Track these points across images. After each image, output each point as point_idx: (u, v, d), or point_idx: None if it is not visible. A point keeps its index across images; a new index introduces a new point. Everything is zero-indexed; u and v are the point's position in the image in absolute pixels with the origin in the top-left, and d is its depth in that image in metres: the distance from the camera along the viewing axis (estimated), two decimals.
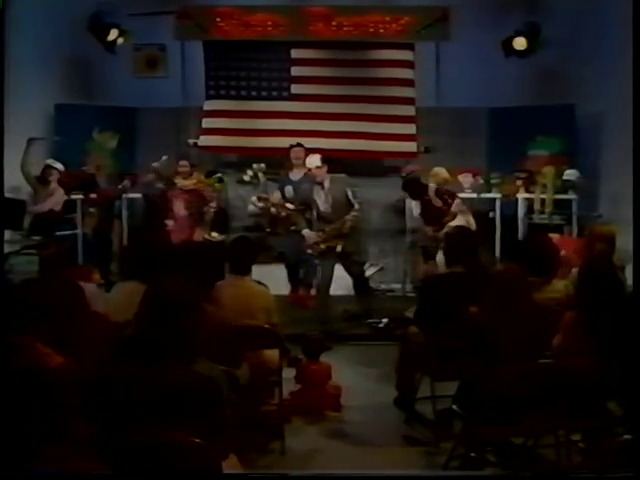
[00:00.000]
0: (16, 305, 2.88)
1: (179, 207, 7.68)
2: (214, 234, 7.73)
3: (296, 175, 7.84)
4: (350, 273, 7.00)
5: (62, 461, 2.04)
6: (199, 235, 7.55)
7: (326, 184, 6.89)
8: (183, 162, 8.02)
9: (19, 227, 7.67)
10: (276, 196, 7.74)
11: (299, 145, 7.94)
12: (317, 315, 6.75)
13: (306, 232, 6.96)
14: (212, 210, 7.84)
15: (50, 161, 8.22)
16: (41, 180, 8.02)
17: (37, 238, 7.52)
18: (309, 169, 7.04)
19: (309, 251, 6.93)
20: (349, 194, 6.83)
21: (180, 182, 7.78)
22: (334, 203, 6.85)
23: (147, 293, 2.86)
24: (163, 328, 2.68)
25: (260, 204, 7.83)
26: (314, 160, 6.98)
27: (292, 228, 7.42)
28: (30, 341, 2.67)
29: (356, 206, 6.80)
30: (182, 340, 2.70)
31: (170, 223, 7.63)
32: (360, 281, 7.11)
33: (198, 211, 7.74)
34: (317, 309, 6.87)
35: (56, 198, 8.05)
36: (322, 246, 6.80)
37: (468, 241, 4.82)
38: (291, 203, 7.44)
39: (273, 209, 7.65)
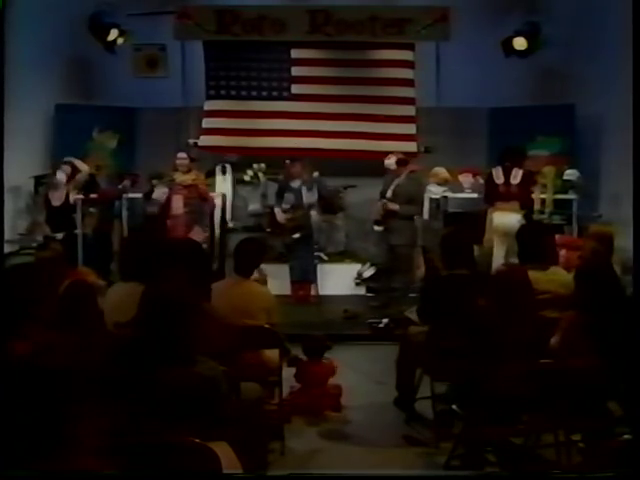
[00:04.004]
0: (18, 300, 2.88)
1: (177, 203, 7.62)
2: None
3: (296, 183, 8.06)
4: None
5: (64, 461, 2.04)
6: (197, 232, 7.50)
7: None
8: (182, 154, 7.80)
9: None
10: (280, 216, 8.07)
11: (296, 160, 8.12)
12: None
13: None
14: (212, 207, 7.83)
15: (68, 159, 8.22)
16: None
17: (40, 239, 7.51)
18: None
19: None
20: None
21: (179, 177, 7.69)
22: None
23: (145, 295, 2.85)
24: (163, 330, 2.68)
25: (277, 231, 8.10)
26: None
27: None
28: (32, 339, 2.67)
29: None
30: (182, 342, 2.69)
31: (168, 220, 7.57)
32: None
33: (196, 208, 7.69)
34: None
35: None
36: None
37: (464, 243, 4.80)
38: (291, 208, 7.97)
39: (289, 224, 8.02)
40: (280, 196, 8.17)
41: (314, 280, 8.00)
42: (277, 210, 8.10)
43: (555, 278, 4.35)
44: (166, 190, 7.64)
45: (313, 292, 8.04)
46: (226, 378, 2.85)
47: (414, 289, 7.73)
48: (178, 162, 7.75)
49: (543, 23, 8.81)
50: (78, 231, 8.10)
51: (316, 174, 8.23)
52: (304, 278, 7.98)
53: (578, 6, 8.63)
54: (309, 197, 7.99)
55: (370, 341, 6.63)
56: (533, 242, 4.52)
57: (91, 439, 2.20)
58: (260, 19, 9.24)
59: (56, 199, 7.98)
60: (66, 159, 8.15)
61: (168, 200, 7.66)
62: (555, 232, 6.01)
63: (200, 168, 8.29)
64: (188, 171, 7.72)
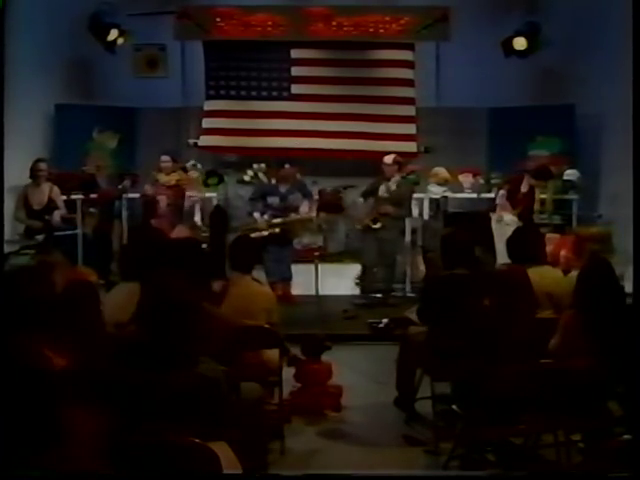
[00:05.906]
0: (19, 302, 2.88)
1: (160, 203, 7.69)
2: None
3: (283, 187, 8.12)
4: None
5: (65, 461, 2.04)
6: (180, 231, 7.52)
7: None
8: (164, 157, 7.91)
9: None
10: (261, 222, 7.93)
11: (293, 164, 8.22)
12: None
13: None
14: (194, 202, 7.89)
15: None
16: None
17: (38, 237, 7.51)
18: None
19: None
20: None
21: (162, 178, 7.75)
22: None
23: (146, 295, 2.84)
24: (164, 331, 2.67)
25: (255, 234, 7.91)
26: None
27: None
28: (34, 340, 2.67)
29: None
30: (184, 342, 2.69)
31: (152, 220, 7.65)
32: None
33: (179, 208, 7.73)
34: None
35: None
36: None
37: (464, 243, 4.79)
38: (278, 212, 7.95)
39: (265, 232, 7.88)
40: (261, 199, 8.07)
41: (290, 277, 7.95)
42: (257, 215, 7.95)
43: (549, 276, 4.39)
44: (149, 188, 7.74)
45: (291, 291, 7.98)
46: (226, 379, 2.85)
47: (415, 288, 7.78)
48: (162, 165, 7.87)
49: (543, 23, 8.81)
50: (78, 231, 8.10)
51: (298, 175, 8.26)
52: (281, 277, 7.92)
53: (578, 6, 8.62)
54: (295, 200, 8.02)
55: (370, 341, 6.63)
56: (522, 242, 4.60)
57: (91, 439, 2.20)
58: (260, 19, 9.24)
59: (36, 202, 7.95)
60: None
61: (153, 200, 7.73)
62: (543, 231, 6.13)
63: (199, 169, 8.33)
64: (172, 172, 7.78)
